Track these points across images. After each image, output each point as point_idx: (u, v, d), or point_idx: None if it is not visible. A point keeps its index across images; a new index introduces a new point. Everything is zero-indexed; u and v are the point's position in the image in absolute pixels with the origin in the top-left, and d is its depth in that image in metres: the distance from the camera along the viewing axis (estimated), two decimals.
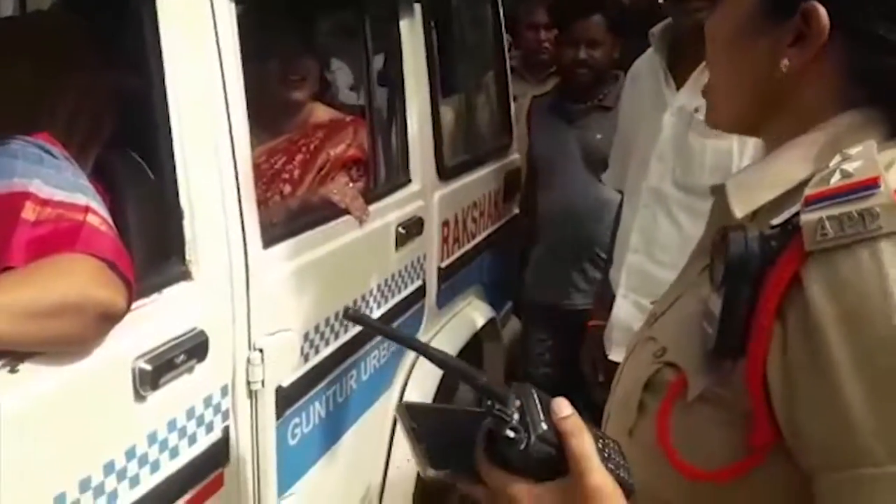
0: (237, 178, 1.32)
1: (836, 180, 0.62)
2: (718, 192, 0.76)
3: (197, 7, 1.24)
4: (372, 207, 1.78)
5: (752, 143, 1.57)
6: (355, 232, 1.71)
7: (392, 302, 1.88)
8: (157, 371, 1.12)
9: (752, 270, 0.64)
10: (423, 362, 2.11)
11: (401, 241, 1.89)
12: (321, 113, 1.90)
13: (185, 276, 1.22)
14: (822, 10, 0.67)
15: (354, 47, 1.82)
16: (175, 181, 1.20)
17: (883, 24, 0.66)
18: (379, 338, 1.83)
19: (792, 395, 0.62)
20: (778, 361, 0.63)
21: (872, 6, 0.67)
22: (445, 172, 2.14)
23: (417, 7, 1.95)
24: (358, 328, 1.73)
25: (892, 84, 0.68)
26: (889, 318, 0.58)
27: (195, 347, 1.20)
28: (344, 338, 1.68)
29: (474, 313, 2.39)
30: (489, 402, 0.60)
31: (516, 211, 2.73)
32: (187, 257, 1.23)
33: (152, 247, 1.22)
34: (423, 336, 2.10)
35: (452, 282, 2.23)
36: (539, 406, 0.60)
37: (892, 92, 0.68)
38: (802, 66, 0.69)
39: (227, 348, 1.31)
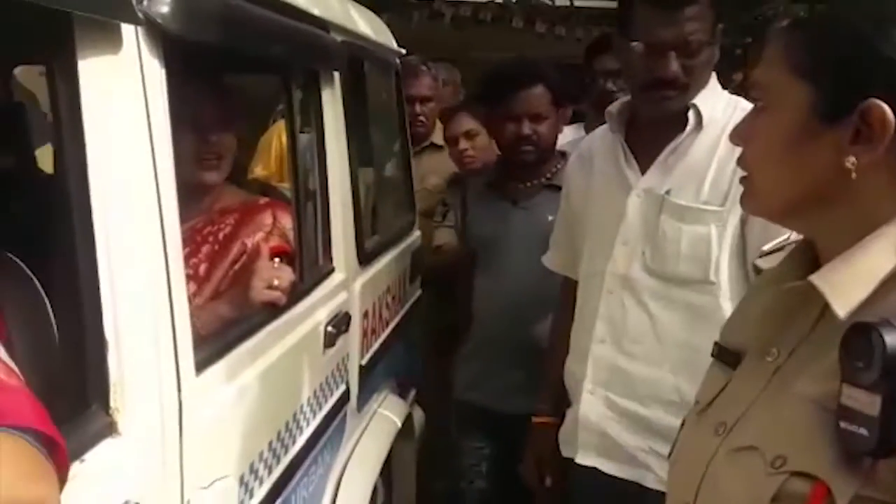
0: (170, 287, 1.00)
1: None
2: (799, 290, 0.75)
3: (125, 75, 0.93)
4: (300, 306, 1.48)
5: (732, 229, 1.46)
6: (286, 340, 1.40)
7: (320, 415, 1.58)
8: None
9: None
10: (348, 484, 1.80)
11: (329, 341, 1.60)
12: (229, 195, 1.58)
13: (111, 430, 0.88)
14: (885, 107, 0.69)
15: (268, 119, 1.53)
16: (97, 299, 0.86)
17: None
18: (309, 462, 1.52)
19: None
20: None
21: None
22: (365, 256, 1.88)
23: (336, 76, 1.71)
24: (290, 455, 1.41)
25: None
26: None
27: None
28: (276, 472, 1.35)
29: (390, 412, 2.10)
30: None
31: (419, 292, 2.51)
32: (112, 405, 0.88)
33: (60, 395, 0.87)
34: (345, 446, 1.79)
35: (370, 379, 1.95)
36: None
37: None
38: (871, 162, 0.70)
39: None
